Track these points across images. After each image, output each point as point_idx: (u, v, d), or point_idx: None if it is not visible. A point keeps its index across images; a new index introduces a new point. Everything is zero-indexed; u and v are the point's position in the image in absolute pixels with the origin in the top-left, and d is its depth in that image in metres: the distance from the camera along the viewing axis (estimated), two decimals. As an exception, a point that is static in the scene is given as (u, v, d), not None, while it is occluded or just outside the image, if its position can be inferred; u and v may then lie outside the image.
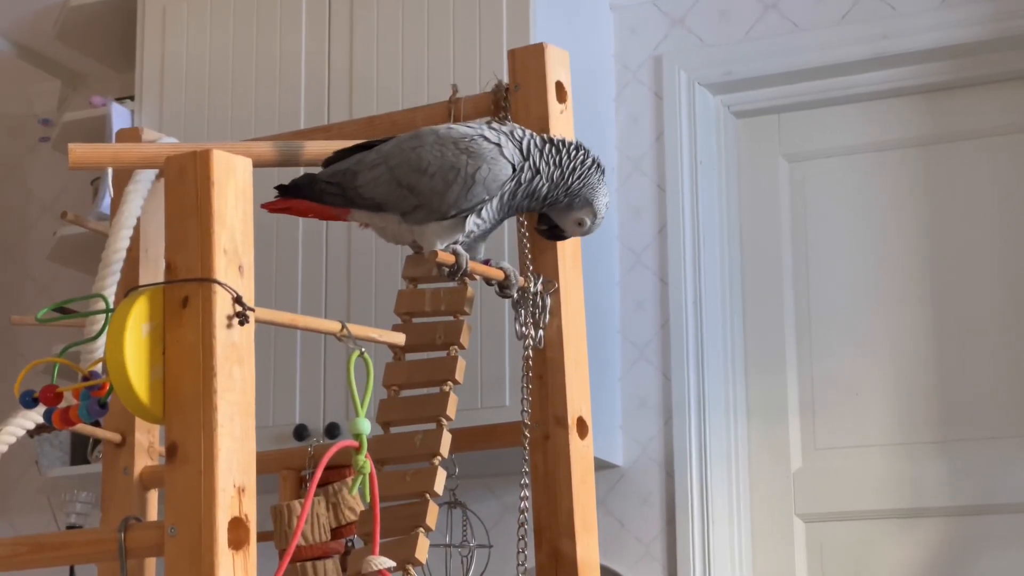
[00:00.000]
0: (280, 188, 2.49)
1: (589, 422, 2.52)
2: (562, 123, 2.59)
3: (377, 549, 2.12)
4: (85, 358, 2.45)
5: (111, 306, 2.50)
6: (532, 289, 2.49)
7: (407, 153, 2.42)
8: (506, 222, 2.58)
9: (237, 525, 1.85)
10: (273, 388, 3.66)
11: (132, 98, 4.08)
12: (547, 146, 2.42)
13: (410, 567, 2.28)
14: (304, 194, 2.48)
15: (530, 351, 2.47)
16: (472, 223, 2.39)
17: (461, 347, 2.45)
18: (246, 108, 3.87)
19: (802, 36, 3.78)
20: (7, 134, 4.74)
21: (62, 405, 2.23)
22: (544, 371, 2.51)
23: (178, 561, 1.84)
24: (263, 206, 2.53)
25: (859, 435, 3.67)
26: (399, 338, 2.28)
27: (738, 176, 3.90)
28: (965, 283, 3.65)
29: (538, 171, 2.40)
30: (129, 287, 2.47)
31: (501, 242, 3.40)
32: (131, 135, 2.89)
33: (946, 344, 3.64)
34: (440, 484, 2.34)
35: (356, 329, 2.08)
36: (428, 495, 2.33)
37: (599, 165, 2.46)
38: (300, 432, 3.62)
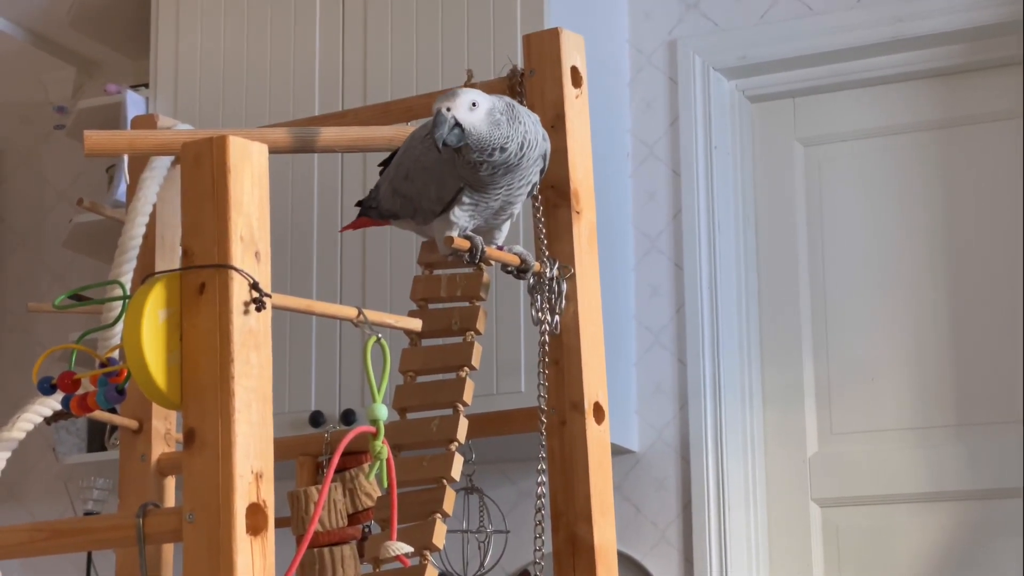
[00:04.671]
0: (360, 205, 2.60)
1: (606, 407, 2.52)
2: (577, 108, 2.58)
3: (395, 535, 2.13)
4: (102, 345, 2.45)
5: (128, 293, 2.50)
6: (548, 275, 2.48)
7: (397, 160, 2.45)
8: (520, 209, 2.56)
9: (255, 511, 1.85)
10: (289, 374, 3.66)
11: (147, 86, 4.08)
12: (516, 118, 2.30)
13: (427, 552, 2.28)
14: (362, 211, 2.58)
15: (546, 336, 2.47)
16: (456, 215, 2.37)
17: (477, 333, 2.45)
18: (260, 95, 3.87)
19: (817, 20, 3.77)
20: (22, 122, 4.74)
21: (80, 392, 2.24)
22: (560, 356, 2.51)
23: (196, 547, 1.85)
24: (342, 230, 2.74)
25: (875, 419, 3.67)
26: (415, 324, 2.28)
27: (753, 161, 3.89)
28: (980, 267, 3.64)
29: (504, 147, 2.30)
30: (145, 274, 2.48)
31: (516, 228, 3.40)
32: (146, 122, 2.88)
33: (962, 328, 3.64)
34: (457, 470, 2.34)
35: (372, 315, 2.08)
36: (445, 481, 2.33)
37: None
38: (316, 418, 3.62)
